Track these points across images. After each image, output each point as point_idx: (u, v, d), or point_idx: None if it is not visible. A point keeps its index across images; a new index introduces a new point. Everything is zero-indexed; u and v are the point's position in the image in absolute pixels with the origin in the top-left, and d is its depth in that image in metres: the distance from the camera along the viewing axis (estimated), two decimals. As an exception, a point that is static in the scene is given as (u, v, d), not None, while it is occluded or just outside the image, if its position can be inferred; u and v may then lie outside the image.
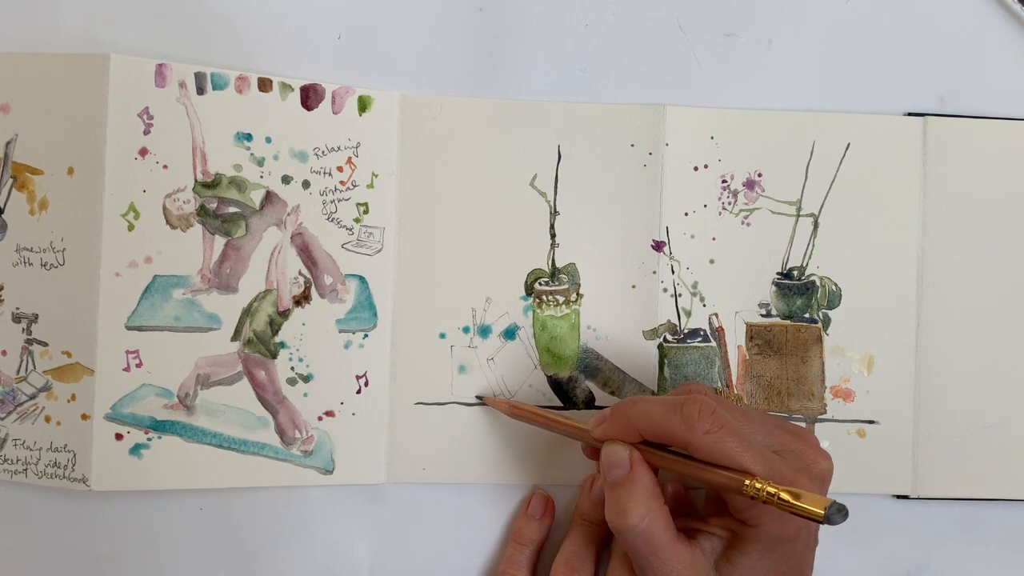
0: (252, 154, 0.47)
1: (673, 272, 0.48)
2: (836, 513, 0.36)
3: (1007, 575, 0.50)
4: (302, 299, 0.47)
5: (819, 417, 0.49)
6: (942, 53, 0.50)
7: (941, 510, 0.49)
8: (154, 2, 0.47)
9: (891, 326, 0.49)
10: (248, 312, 0.47)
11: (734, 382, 0.49)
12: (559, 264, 0.48)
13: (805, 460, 0.40)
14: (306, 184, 0.47)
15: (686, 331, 0.48)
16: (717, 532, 0.41)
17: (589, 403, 0.48)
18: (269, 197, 0.47)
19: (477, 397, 0.48)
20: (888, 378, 0.49)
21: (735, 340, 0.49)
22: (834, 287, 0.49)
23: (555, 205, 0.48)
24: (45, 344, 0.46)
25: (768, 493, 0.37)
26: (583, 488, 0.48)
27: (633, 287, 0.48)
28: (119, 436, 0.46)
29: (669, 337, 0.48)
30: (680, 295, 0.48)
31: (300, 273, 0.47)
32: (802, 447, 0.41)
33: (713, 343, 0.49)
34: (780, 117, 0.49)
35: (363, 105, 0.48)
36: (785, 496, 0.37)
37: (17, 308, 0.46)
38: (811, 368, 0.49)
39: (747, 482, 0.38)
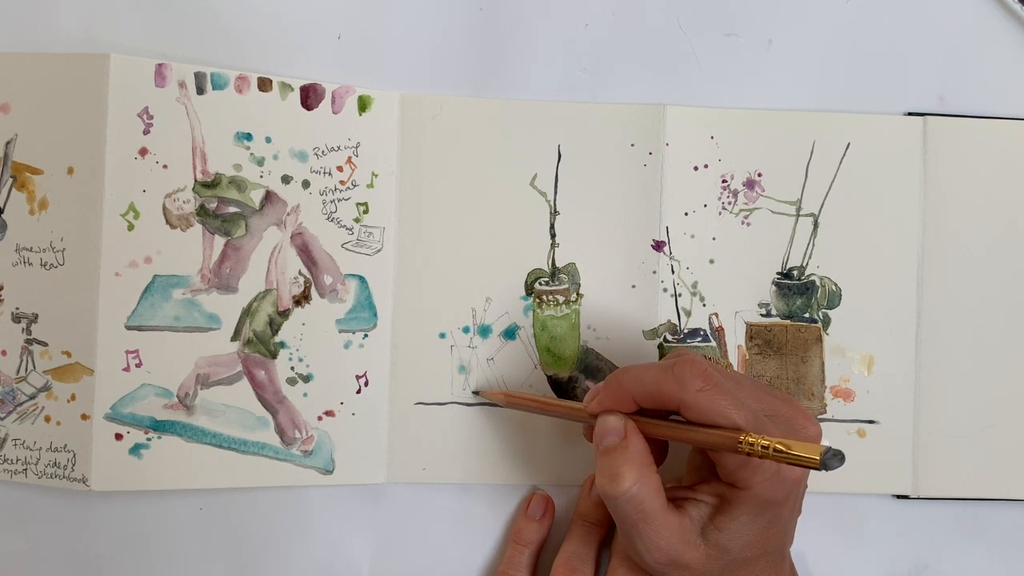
0: (252, 154, 0.47)
1: (673, 272, 0.48)
2: (832, 458, 0.35)
3: (1007, 575, 0.50)
4: (302, 299, 0.47)
5: (819, 417, 0.48)
6: (942, 53, 0.50)
7: (941, 510, 0.49)
8: (154, 2, 0.47)
9: (891, 326, 0.49)
10: (248, 312, 0.47)
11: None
12: (559, 264, 0.48)
13: (794, 424, 0.40)
14: (306, 184, 0.47)
15: (686, 331, 0.48)
16: (705, 499, 0.41)
17: (589, 403, 0.48)
18: (269, 197, 0.47)
19: (474, 392, 0.48)
20: (888, 378, 0.49)
21: (735, 340, 0.49)
22: (834, 287, 0.49)
23: (555, 205, 0.48)
24: (45, 344, 0.46)
25: (762, 447, 0.37)
26: (583, 488, 0.48)
27: (633, 287, 0.48)
28: (119, 436, 0.46)
29: (669, 337, 0.48)
30: (680, 295, 0.48)
31: (300, 273, 0.47)
32: (791, 412, 0.41)
33: (713, 343, 0.49)
34: (780, 117, 0.49)
35: (363, 105, 0.48)
36: (780, 447, 0.36)
37: (17, 308, 0.46)
38: (811, 368, 0.49)
39: (742, 437, 0.37)
